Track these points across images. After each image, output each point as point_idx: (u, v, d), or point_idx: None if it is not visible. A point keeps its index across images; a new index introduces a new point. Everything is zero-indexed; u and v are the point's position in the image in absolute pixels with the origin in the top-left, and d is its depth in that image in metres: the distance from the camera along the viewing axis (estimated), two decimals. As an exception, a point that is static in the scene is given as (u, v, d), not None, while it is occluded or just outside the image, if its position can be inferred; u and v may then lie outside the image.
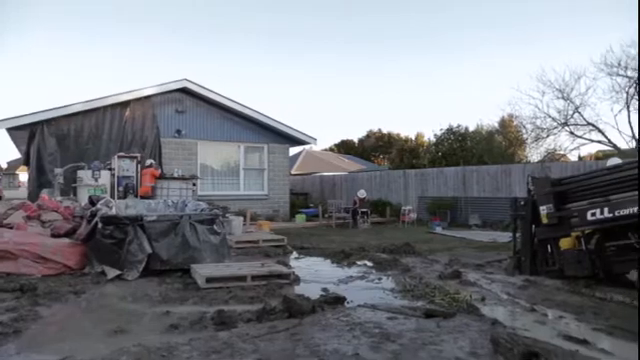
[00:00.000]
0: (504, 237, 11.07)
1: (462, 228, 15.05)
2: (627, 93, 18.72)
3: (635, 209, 5.91)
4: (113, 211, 7.51)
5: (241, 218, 12.06)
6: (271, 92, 64.43)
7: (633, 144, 18.67)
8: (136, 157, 14.07)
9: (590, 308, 5.25)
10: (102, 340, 4.07)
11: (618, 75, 18.88)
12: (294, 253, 9.80)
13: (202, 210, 8.21)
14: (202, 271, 6.34)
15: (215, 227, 7.66)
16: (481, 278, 6.96)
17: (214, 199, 14.11)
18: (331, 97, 71.76)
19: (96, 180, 12.84)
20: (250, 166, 17.79)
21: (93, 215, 7.21)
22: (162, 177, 14.04)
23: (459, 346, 3.91)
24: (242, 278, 6.29)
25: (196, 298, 5.60)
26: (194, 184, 14.74)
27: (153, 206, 9.07)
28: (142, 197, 12.82)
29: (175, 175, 14.54)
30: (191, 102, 16.51)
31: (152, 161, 14.31)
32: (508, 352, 3.57)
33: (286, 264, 7.99)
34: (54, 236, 7.68)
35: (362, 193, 16.72)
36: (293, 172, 26.43)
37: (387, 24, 59.91)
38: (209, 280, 6.08)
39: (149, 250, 6.84)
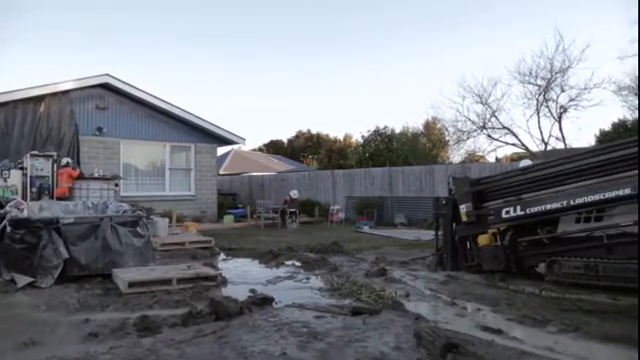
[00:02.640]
0: (428, 235, 11.51)
1: (388, 227, 15.48)
2: (537, 100, 20.22)
3: (544, 207, 6.38)
4: (25, 213, 7.02)
5: (167, 220, 11.69)
6: (200, 92, 63.00)
7: (542, 147, 20.14)
8: (51, 156, 13.19)
9: (505, 300, 5.59)
10: (11, 354, 3.78)
11: (529, 83, 20.35)
12: (222, 254, 9.66)
13: (125, 212, 7.86)
14: (124, 275, 6.08)
15: (139, 229, 7.37)
16: (406, 275, 7.20)
17: (138, 200, 13.56)
18: (261, 97, 71.32)
19: (5, 180, 11.97)
20: (176, 166, 17.28)
21: (1, 218, 6.70)
22: (81, 177, 13.29)
23: (384, 341, 4.03)
24: (167, 281, 6.10)
25: (118, 304, 5.36)
26: (116, 185, 14.07)
27: (71, 208, 8.58)
28: (59, 198, 12.05)
29: (95, 175, 13.81)
30: (114, 99, 15.74)
31: (69, 160, 13.50)
32: (430, 345, 3.73)
33: (213, 266, 7.85)
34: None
35: (295, 193, 16.75)
36: (221, 172, 26.00)
37: (317, 24, 60.43)
38: (132, 285, 5.84)
39: (65, 255, 6.46)
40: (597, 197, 5.89)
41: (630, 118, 18.86)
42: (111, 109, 15.66)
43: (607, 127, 18.73)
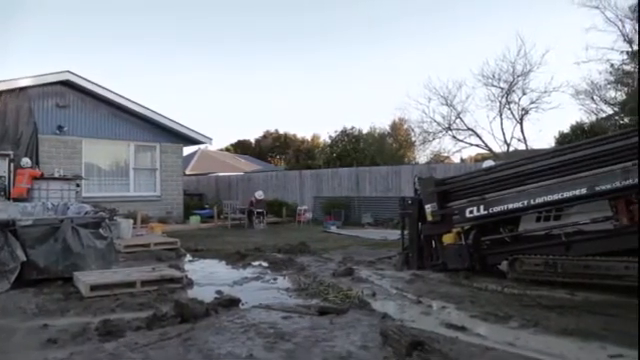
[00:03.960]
0: (394, 235, 11.62)
1: (355, 227, 15.58)
2: (500, 102, 20.79)
3: (506, 206, 6.55)
4: (-21, 216, 6.74)
5: (131, 221, 11.44)
6: (167, 92, 62.00)
7: (505, 148, 20.68)
8: (8, 155, 12.73)
9: (468, 297, 5.70)
10: (-36, 361, 3.63)
11: (493, 86, 20.89)
12: (188, 256, 9.53)
13: (86, 213, 7.65)
14: (86, 279, 5.92)
15: (101, 231, 7.19)
16: (372, 274, 7.26)
17: (101, 201, 13.24)
18: (229, 97, 70.66)
19: (-42, 181, 11.45)
20: (141, 166, 16.92)
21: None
22: (41, 177, 12.86)
23: (351, 341, 4.05)
24: (131, 284, 5.97)
25: (79, 308, 5.21)
26: (78, 185, 13.71)
27: (29, 209, 8.32)
28: (16, 199, 11.64)
29: (56, 175, 13.41)
30: (75, 97, 15.28)
31: (28, 160, 13.05)
32: (396, 343, 3.78)
33: (179, 267, 7.72)
34: None
35: (260, 194, 16.65)
36: (187, 172, 25.65)
37: (286, 24, 60.30)
38: (94, 288, 5.69)
39: (23, 258, 6.24)
40: (556, 197, 6.09)
41: (587, 121, 19.58)
42: (72, 107, 15.21)
43: (566, 129, 19.35)
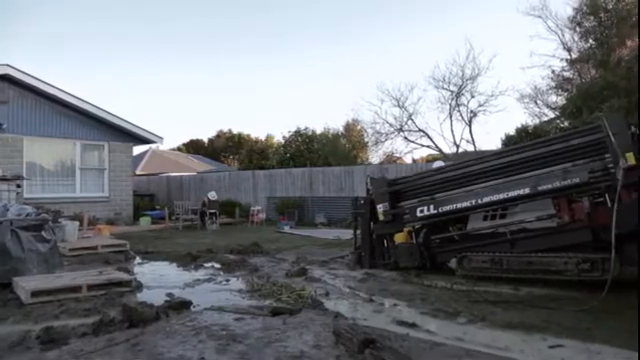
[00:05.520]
0: (347, 234, 11.71)
1: (309, 227, 15.61)
2: (450, 105, 21.36)
3: (455, 205, 6.75)
4: None
5: (77, 223, 10.99)
6: (119, 92, 60.28)
7: (455, 149, 21.27)
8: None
9: (419, 295, 5.83)
10: None
11: (443, 88, 21.45)
12: (137, 258, 9.25)
13: (27, 215, 7.27)
14: (27, 284, 5.63)
15: (44, 234, 6.86)
16: (325, 274, 7.30)
17: (45, 202, 12.66)
18: (181, 96, 69.28)
19: None
20: (88, 166, 16.28)
21: None
22: (-24, 178, 12.16)
23: (304, 340, 4.06)
24: (77, 289, 5.73)
25: (18, 316, 4.95)
26: (19, 185, 13.00)
27: (-37, 212, 7.80)
28: (-51, 201, 10.94)
29: (-6, 175, 12.69)
30: (16, 92, 14.51)
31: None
32: (348, 342, 3.81)
33: (128, 270, 7.50)
34: None
35: (213, 195, 16.40)
36: (138, 172, 24.96)
37: (238, 24, 59.69)
38: (35, 294, 5.42)
39: (-43, 263, 5.88)
40: (501, 196, 6.34)
41: (531, 124, 20.40)
42: (13, 103, 14.43)
43: (511, 131, 20.12)
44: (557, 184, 5.97)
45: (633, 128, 5.85)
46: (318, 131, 27.81)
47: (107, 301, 5.49)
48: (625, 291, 5.37)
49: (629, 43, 16.38)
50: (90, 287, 5.81)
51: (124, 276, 6.46)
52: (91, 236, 11.39)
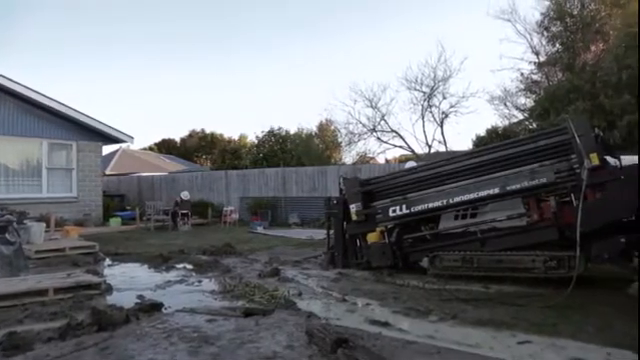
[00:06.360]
0: (320, 234, 11.70)
1: (282, 227, 15.56)
2: (422, 106, 21.64)
3: (427, 205, 6.83)
4: None
5: (43, 224, 10.68)
6: (90, 91, 58.99)
7: (427, 149, 21.56)
8: None
9: (391, 294, 5.88)
10: None
11: (415, 90, 21.72)
12: (107, 260, 9.05)
13: (-10, 216, 7.07)
14: (-11, 287, 5.46)
15: (8, 236, 6.69)
16: (298, 274, 7.29)
17: (9, 203, 12.21)
18: (153, 95, 68.12)
19: None
20: (56, 165, 15.83)
21: None
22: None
23: (277, 341, 4.05)
24: (42, 292, 5.57)
25: (-20, 321, 4.79)
26: (-20, 186, 12.61)
27: None
28: None
29: (-46, 176, 12.25)
30: (-23, 90, 14.05)
31: None
32: (321, 341, 3.82)
33: (97, 273, 7.33)
34: None
35: (185, 195, 16.18)
36: (107, 172, 24.47)
37: (211, 24, 59.07)
38: (-2, 297, 5.26)
39: None
40: (472, 196, 6.45)
41: (501, 125, 20.87)
42: (-26, 101, 13.96)
43: (482, 132, 20.56)
44: (525, 184, 6.11)
45: (597, 130, 6.07)
46: (292, 131, 27.82)
47: (75, 304, 5.37)
48: (590, 287, 5.56)
49: (593, 48, 16.92)
50: (57, 290, 5.66)
51: (93, 278, 6.31)
52: (58, 238, 11.09)
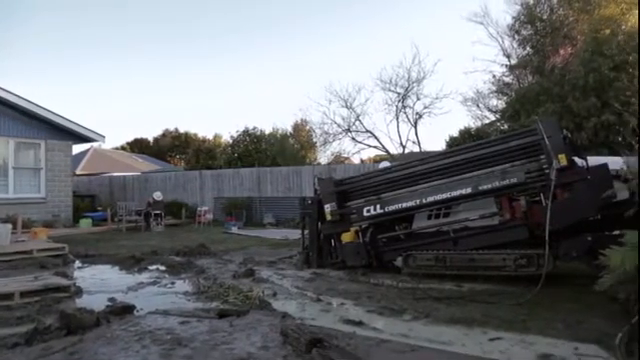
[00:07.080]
0: (295, 234, 11.69)
1: (257, 227, 15.50)
2: (396, 106, 21.85)
3: (400, 205, 6.89)
4: None
5: (9, 226, 10.37)
6: (61, 90, 57.62)
7: (401, 150, 21.77)
8: None
9: (366, 293, 5.91)
10: None
11: (390, 90, 21.92)
12: (77, 262, 8.86)
13: (-47, 217, 6.84)
14: (-48, 291, 5.28)
15: (-28, 237, 6.47)
16: (273, 274, 7.27)
17: (-28, 204, 11.87)
18: (125, 94, 66.87)
19: None
20: (23, 165, 15.40)
21: None
22: None
23: (251, 342, 4.03)
24: (8, 296, 5.43)
25: (-59, 326, 4.62)
26: (-57, 186, 12.17)
27: None
28: None
29: None
30: (-62, 86, 13.56)
31: None
32: (296, 342, 3.81)
33: (67, 275, 7.17)
34: None
35: (158, 195, 15.96)
36: (78, 172, 23.93)
37: (182, 24, 58.38)
38: (-38, 301, 5.10)
39: None
40: (444, 196, 6.55)
41: (473, 126, 21.22)
42: (-63, 99, 13.47)
43: (455, 133, 20.85)
44: (496, 184, 6.23)
45: (565, 131, 6.23)
46: (267, 131, 27.69)
47: (43, 308, 5.24)
48: (558, 285, 5.70)
49: (562, 52, 17.35)
50: (24, 294, 5.52)
51: (62, 281, 6.18)
52: (25, 240, 10.77)
